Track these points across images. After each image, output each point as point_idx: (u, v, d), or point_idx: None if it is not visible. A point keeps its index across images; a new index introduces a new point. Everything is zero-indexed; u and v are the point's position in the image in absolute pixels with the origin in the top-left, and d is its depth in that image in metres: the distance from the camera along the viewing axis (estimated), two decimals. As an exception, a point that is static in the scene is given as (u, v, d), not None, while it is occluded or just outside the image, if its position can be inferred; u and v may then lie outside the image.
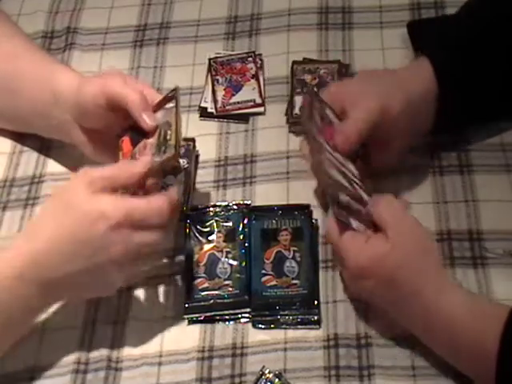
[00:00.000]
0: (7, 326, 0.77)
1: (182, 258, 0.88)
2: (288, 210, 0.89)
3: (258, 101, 1.01)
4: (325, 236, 0.86)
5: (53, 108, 0.89)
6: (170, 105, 0.83)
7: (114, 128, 0.87)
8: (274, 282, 0.84)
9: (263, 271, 0.85)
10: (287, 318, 0.83)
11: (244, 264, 0.86)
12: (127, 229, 0.75)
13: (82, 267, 0.75)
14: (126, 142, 0.85)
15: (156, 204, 0.76)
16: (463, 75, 0.86)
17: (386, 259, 0.75)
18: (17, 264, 0.75)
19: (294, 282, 0.84)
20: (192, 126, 0.99)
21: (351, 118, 0.83)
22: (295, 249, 0.86)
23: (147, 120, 0.82)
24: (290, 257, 0.86)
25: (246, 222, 0.88)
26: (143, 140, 0.83)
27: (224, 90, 1.02)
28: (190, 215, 0.90)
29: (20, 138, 1.00)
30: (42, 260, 0.75)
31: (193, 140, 0.96)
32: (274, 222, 0.88)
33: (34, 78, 0.90)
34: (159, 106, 0.84)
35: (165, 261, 0.88)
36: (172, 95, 0.83)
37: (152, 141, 0.82)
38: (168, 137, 0.80)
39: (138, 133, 0.84)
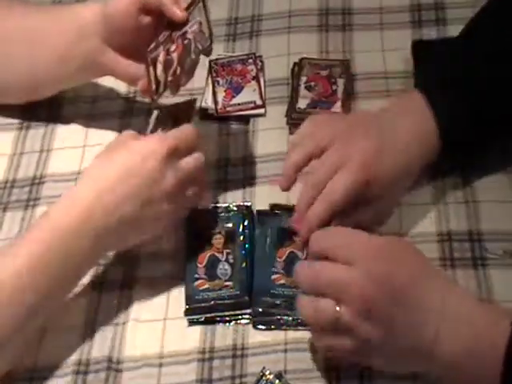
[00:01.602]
0: (64, 276, 0.79)
1: (182, 259, 0.88)
2: None
3: (259, 102, 1.01)
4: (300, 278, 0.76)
5: (76, 45, 0.91)
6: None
7: (145, 41, 0.86)
8: (282, 281, 0.84)
9: (274, 269, 0.85)
10: (288, 318, 0.83)
11: (244, 265, 0.86)
12: (174, 160, 0.81)
13: (136, 205, 0.80)
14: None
15: (189, 132, 0.85)
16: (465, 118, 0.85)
17: (394, 275, 0.71)
18: (72, 213, 0.78)
19: None
20: (192, 127, 0.99)
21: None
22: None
23: (178, 11, 0.84)
24: (303, 258, 0.85)
25: (246, 223, 0.89)
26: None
27: (224, 91, 1.02)
28: (191, 216, 0.89)
29: (21, 137, 1.01)
30: (96, 206, 0.78)
31: None
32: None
33: (51, 23, 0.93)
34: (186, 9, 0.86)
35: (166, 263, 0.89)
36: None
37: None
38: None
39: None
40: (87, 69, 0.93)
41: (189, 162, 0.83)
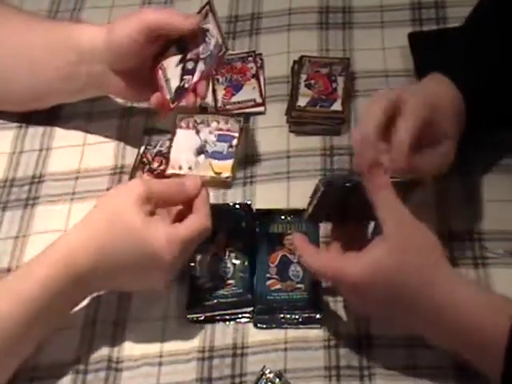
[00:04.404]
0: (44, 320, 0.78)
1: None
2: (294, 215, 0.89)
3: (259, 100, 1.01)
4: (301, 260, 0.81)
5: (78, 67, 0.91)
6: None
7: (148, 62, 0.89)
8: (278, 286, 0.84)
9: (268, 275, 0.85)
10: (289, 316, 0.83)
11: (247, 263, 0.86)
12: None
13: (133, 285, 0.81)
14: None
15: (204, 223, 0.79)
16: (485, 87, 0.86)
17: (387, 260, 0.72)
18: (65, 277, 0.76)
19: (299, 286, 0.84)
20: (192, 126, 0.99)
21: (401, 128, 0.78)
22: None
23: (192, 21, 0.86)
24: (295, 261, 0.86)
25: (248, 221, 0.89)
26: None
27: (224, 89, 1.02)
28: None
29: (20, 135, 1.01)
30: (88, 276, 0.77)
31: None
32: (279, 226, 0.88)
33: (51, 44, 0.92)
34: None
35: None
36: (206, 9, 0.87)
37: None
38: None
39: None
40: (90, 88, 0.94)
41: (198, 237, 0.80)
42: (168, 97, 0.89)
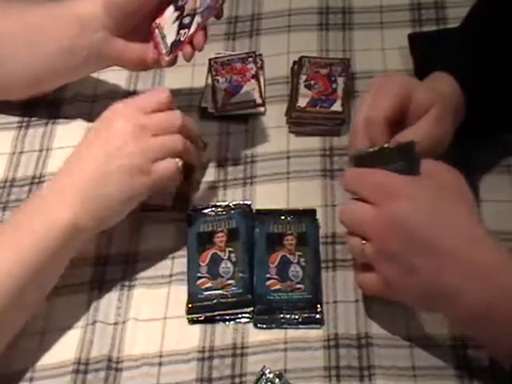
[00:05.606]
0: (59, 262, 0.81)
1: (183, 258, 0.88)
2: (294, 215, 0.89)
3: (259, 101, 1.00)
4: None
5: (79, 39, 0.91)
6: None
7: (147, 25, 0.90)
8: (278, 286, 0.84)
9: (268, 275, 0.85)
10: (289, 316, 0.83)
11: (247, 263, 0.86)
12: (139, 115, 0.83)
13: (98, 158, 0.81)
14: None
15: (161, 94, 0.85)
16: (485, 83, 0.86)
17: (414, 221, 0.72)
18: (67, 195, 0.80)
19: (298, 286, 0.84)
20: (192, 126, 0.99)
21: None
22: (300, 254, 0.86)
23: None
24: (295, 261, 0.86)
25: (248, 222, 0.89)
26: None
27: (224, 90, 1.02)
28: (192, 215, 0.90)
29: (20, 136, 1.01)
30: (62, 170, 0.83)
31: None
32: (279, 226, 0.88)
33: (52, 21, 0.93)
34: None
35: (166, 261, 0.89)
36: None
37: None
38: None
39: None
40: (91, 61, 0.94)
41: (161, 115, 0.83)
42: (164, 51, 0.89)
